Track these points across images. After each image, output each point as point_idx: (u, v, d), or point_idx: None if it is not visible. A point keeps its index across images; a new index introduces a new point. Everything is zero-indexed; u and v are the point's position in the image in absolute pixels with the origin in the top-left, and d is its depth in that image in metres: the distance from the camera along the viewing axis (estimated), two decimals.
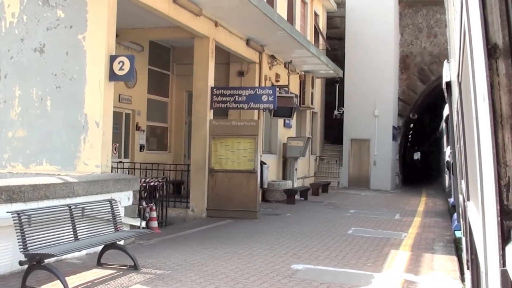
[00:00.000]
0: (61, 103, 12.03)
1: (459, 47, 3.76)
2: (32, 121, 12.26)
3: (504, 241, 1.71)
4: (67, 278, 7.91)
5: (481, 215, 2.43)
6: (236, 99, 17.58)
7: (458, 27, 3.61)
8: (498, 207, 1.70)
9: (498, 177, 1.71)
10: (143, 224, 12.75)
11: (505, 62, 1.73)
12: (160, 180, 14.86)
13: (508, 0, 1.75)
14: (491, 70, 1.74)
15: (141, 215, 13.08)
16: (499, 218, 1.70)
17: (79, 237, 8.85)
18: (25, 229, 7.74)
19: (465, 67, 3.27)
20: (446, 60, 9.86)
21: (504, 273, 1.71)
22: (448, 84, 9.17)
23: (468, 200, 4.63)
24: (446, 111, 13.98)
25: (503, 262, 1.72)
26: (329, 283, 8.62)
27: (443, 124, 18.13)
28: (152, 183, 14.24)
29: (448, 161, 16.20)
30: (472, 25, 2.21)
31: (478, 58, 1.98)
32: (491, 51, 1.75)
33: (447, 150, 16.88)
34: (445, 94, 9.89)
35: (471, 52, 2.35)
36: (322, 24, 33.13)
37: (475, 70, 2.22)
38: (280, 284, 8.47)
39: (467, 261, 6.13)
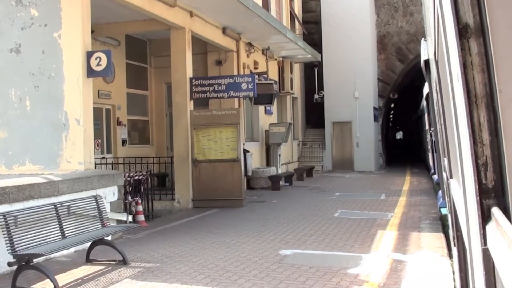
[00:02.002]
0: (40, 102, 11.94)
1: (434, 26, 3.77)
2: (12, 122, 12.16)
3: (484, 220, 1.73)
4: (56, 276, 7.91)
5: (463, 193, 2.46)
6: (216, 89, 17.56)
7: (432, 6, 3.62)
8: (477, 187, 1.72)
9: (476, 156, 1.72)
10: (130, 218, 12.74)
11: (477, 41, 1.73)
12: (144, 173, 14.83)
13: None
14: (463, 50, 1.75)
15: (127, 209, 13.07)
16: (478, 197, 1.72)
17: (66, 235, 8.85)
18: (12, 230, 7.73)
19: (440, 47, 3.28)
20: (423, 38, 9.83)
21: (485, 252, 1.72)
22: (427, 62, 9.14)
23: (451, 177, 4.65)
24: (426, 89, 13.98)
25: (484, 241, 1.74)
26: (318, 267, 8.66)
27: (424, 103, 18.16)
28: (136, 177, 14.21)
29: (431, 139, 16.26)
30: (443, 5, 2.21)
31: (451, 38, 1.99)
32: (462, 31, 1.75)
33: (429, 129, 16.93)
34: (424, 73, 9.88)
35: (444, 32, 2.36)
36: (298, 9, 33.08)
37: (449, 50, 2.23)
38: (269, 270, 8.50)
39: (453, 237, 6.18)
